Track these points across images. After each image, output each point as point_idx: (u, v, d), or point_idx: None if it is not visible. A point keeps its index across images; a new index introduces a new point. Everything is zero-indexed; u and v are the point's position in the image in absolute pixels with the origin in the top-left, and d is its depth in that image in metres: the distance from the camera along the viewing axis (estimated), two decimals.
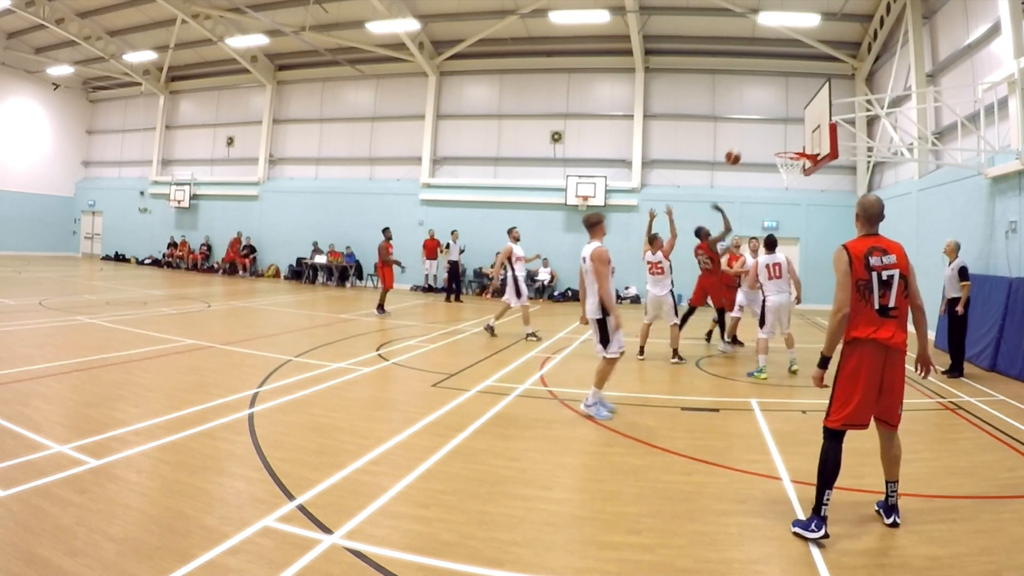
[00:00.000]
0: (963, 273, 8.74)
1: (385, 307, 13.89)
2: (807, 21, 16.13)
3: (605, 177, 19.76)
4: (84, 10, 22.45)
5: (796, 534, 3.60)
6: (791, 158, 12.47)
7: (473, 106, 21.93)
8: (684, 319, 10.31)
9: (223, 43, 21.87)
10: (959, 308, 8.73)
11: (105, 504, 3.61)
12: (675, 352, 9.21)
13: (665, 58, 19.94)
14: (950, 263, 9.02)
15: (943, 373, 8.71)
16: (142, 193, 26.85)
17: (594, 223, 6.15)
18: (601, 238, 6.11)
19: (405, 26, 18.60)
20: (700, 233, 10.72)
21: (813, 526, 3.57)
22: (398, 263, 14.49)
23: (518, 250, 11.33)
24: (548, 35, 20.01)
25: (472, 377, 7.59)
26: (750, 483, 4.45)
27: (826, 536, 3.54)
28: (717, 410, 6.55)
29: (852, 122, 13.05)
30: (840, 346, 3.80)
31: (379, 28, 18.46)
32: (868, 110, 13.71)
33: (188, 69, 25.78)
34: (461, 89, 22.06)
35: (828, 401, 3.81)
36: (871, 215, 3.88)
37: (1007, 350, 8.85)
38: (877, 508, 3.94)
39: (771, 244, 8.70)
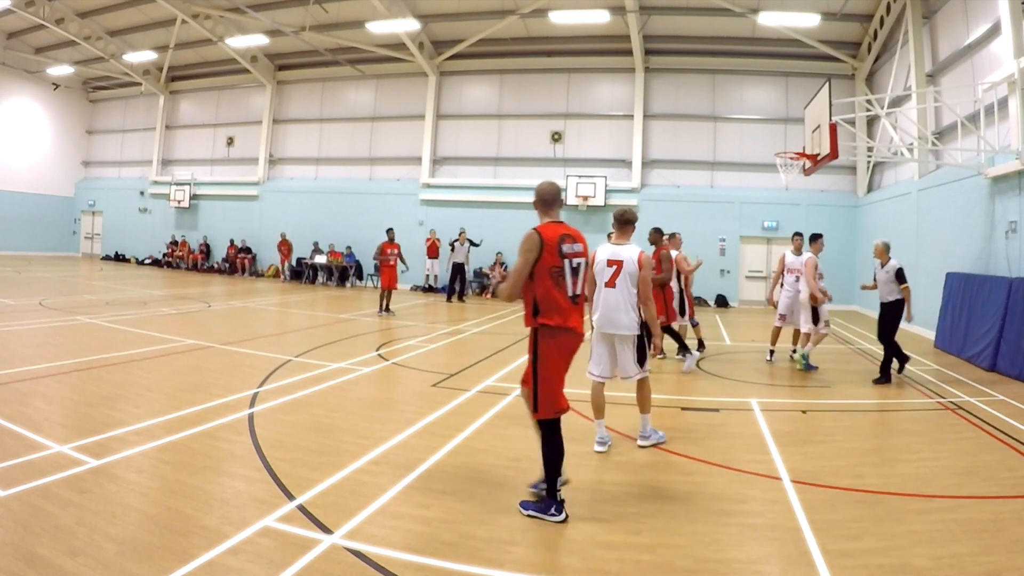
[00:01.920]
0: (900, 275, 8.08)
1: (389, 307, 13.87)
2: (807, 21, 16.14)
3: (605, 177, 19.76)
4: (84, 10, 22.46)
5: (532, 516, 3.66)
6: (791, 158, 12.46)
7: (473, 106, 21.93)
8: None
9: (223, 43, 21.87)
10: (908, 316, 8.17)
11: (105, 504, 3.61)
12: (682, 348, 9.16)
13: (665, 58, 19.94)
14: (882, 265, 8.31)
15: (874, 382, 8.07)
16: (142, 193, 26.86)
17: (628, 220, 5.13)
18: (629, 240, 5.15)
19: (405, 26, 18.61)
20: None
21: (553, 510, 3.64)
22: (386, 262, 14.11)
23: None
24: (548, 35, 20.01)
25: (472, 377, 7.59)
26: (750, 483, 4.45)
27: (567, 518, 3.64)
28: (717, 410, 6.55)
29: (852, 122, 13.05)
30: (532, 336, 3.77)
31: (379, 28, 18.47)
32: (868, 110, 13.71)
33: (188, 69, 25.78)
34: (461, 89, 22.06)
35: (531, 391, 3.76)
36: (547, 199, 3.91)
37: (1007, 350, 8.83)
38: (529, 509, 3.74)
39: (812, 239, 9.27)
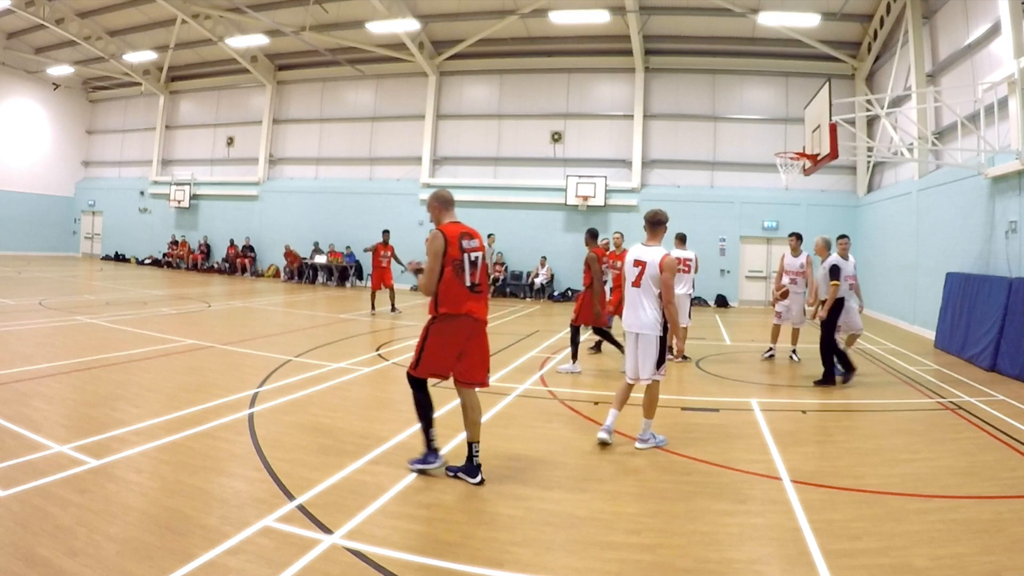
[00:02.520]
0: (833, 272, 7.66)
1: (395, 306, 14.02)
2: (807, 21, 16.14)
3: (605, 177, 19.76)
4: (84, 10, 22.45)
5: (417, 471, 4.27)
6: (791, 158, 12.46)
7: (473, 106, 21.93)
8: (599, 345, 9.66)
9: (223, 43, 21.86)
10: (822, 312, 7.77)
11: (105, 504, 3.61)
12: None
13: (665, 58, 19.94)
14: (822, 262, 7.99)
15: (815, 384, 7.77)
16: (142, 193, 26.85)
17: (658, 222, 5.23)
18: (660, 242, 5.25)
19: (405, 26, 18.60)
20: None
21: (430, 458, 4.29)
22: (380, 264, 14.12)
23: (848, 267, 8.12)
24: (548, 35, 20.01)
25: None
26: (750, 483, 4.45)
27: (443, 464, 4.30)
28: (717, 410, 6.55)
29: (852, 122, 13.04)
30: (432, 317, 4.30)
31: (379, 28, 18.47)
32: (868, 110, 13.71)
33: (188, 69, 25.78)
34: (461, 89, 22.06)
35: (416, 354, 4.31)
36: (446, 201, 4.42)
37: (1007, 350, 8.83)
38: (451, 473, 4.33)
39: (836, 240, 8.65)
